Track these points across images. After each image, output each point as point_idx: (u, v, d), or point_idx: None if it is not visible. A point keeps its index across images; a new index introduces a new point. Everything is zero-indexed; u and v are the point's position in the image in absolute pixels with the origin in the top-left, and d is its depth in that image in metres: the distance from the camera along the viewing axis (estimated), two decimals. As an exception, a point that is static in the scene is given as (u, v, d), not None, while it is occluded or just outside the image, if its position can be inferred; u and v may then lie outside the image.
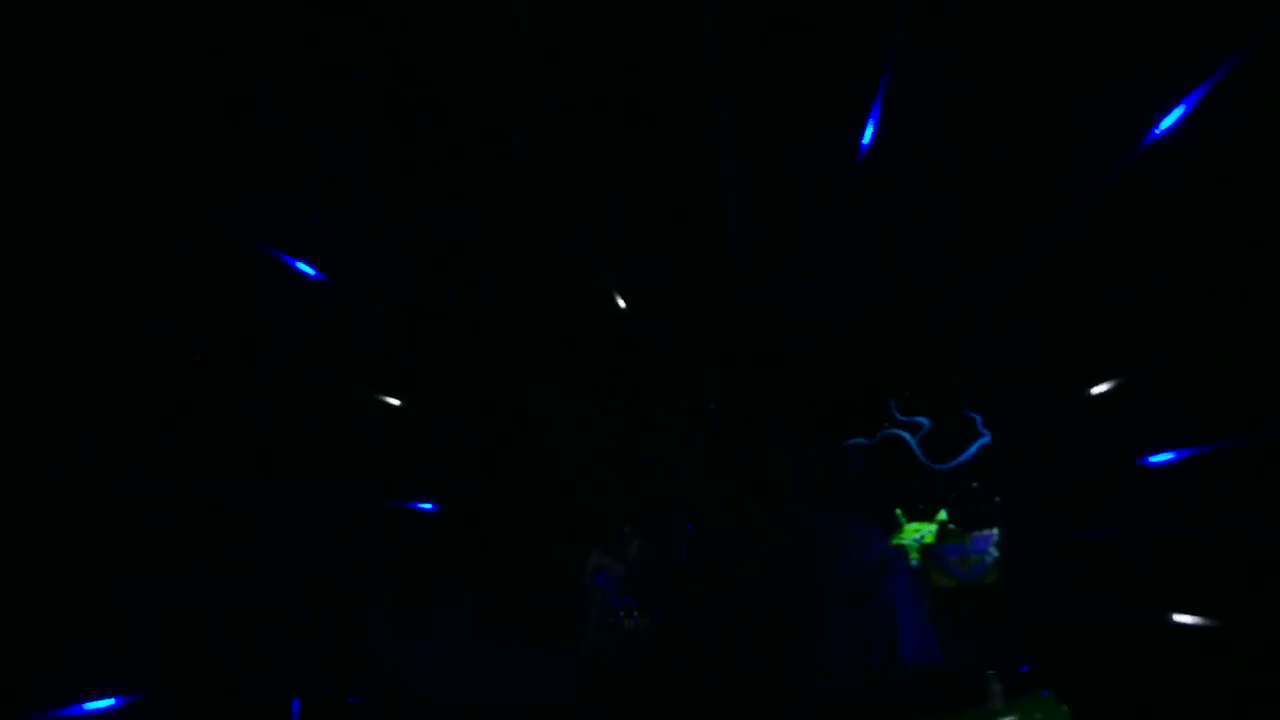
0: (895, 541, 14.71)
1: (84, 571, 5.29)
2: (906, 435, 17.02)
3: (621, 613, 5.79)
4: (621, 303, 9.50)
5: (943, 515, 14.88)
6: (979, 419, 17.12)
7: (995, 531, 11.20)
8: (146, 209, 5.81)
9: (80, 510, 5.35)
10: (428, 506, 6.97)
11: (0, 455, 4.69)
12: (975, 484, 16.62)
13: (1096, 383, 6.30)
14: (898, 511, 15.44)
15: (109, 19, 4.70)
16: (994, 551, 10.91)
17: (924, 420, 17.30)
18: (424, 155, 6.96)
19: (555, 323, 9.80)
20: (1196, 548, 5.02)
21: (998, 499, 14.29)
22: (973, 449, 16.93)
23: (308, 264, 6.59)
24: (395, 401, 7.17)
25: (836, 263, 12.33)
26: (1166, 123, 5.38)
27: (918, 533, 15.09)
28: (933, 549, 13.50)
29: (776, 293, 11.44)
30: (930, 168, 7.80)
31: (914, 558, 14.10)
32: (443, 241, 7.59)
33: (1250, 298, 5.17)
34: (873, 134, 7.44)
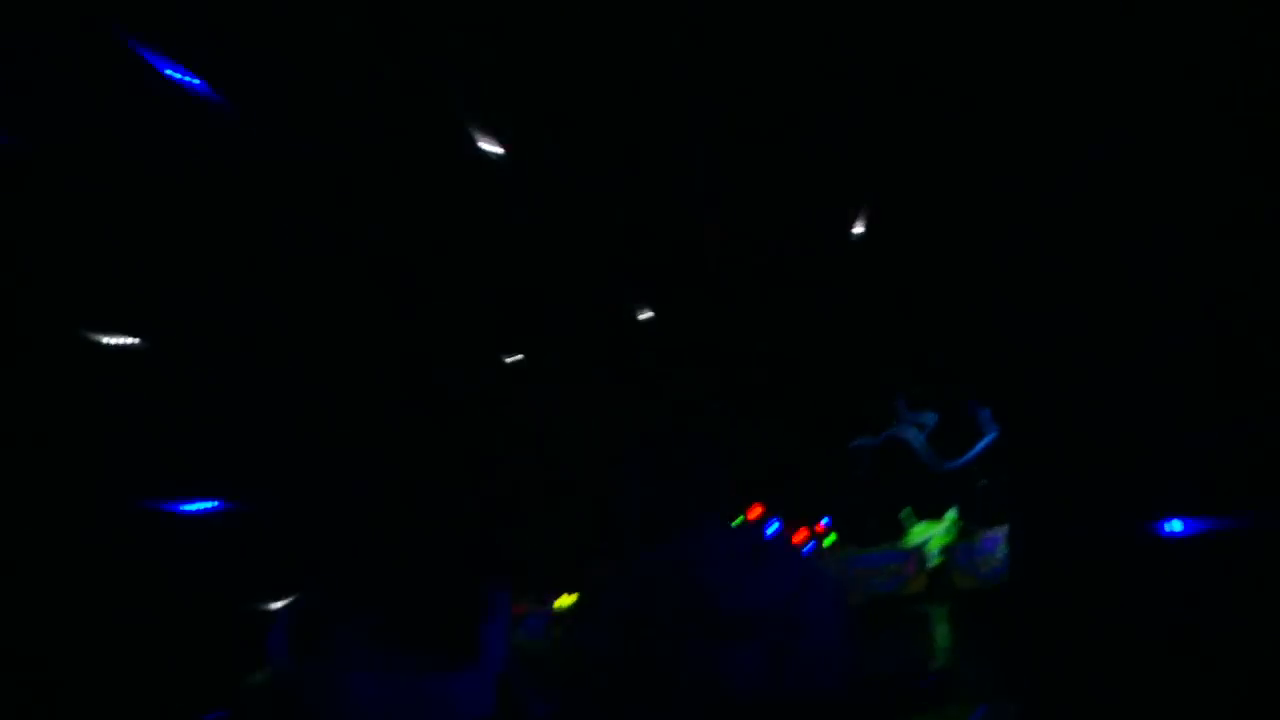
0: (904, 544, 14.37)
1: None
2: (912, 435, 16.63)
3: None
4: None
5: (953, 515, 14.53)
6: (987, 413, 16.73)
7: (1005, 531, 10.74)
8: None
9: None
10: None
11: None
12: (984, 482, 16.27)
13: (1109, 373, 5.95)
14: (906, 512, 15.09)
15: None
16: (1005, 548, 10.48)
17: (930, 417, 16.94)
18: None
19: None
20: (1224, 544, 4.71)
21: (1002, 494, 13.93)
22: (981, 445, 16.58)
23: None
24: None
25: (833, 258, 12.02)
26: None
27: (925, 534, 14.75)
28: (949, 550, 13.16)
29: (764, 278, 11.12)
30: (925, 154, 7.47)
31: (935, 560, 13.73)
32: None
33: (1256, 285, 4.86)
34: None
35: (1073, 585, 5.88)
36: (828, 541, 13.23)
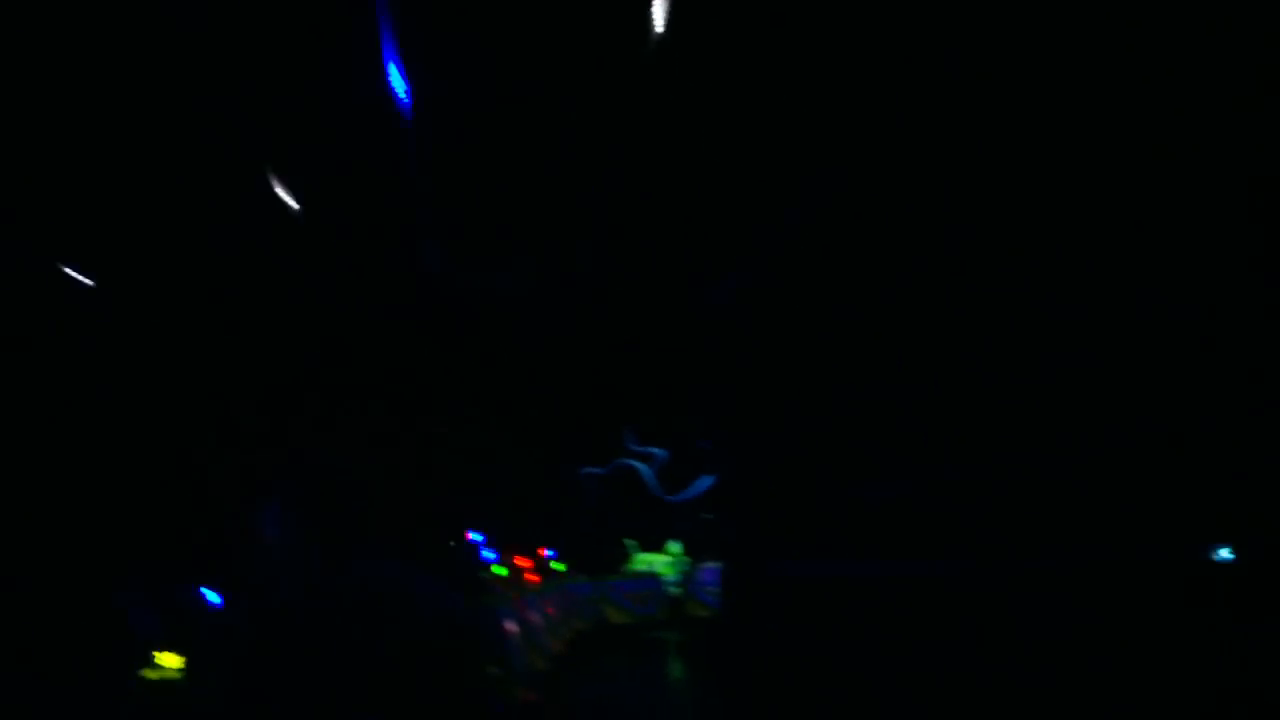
0: (632, 571, 14.57)
1: None
2: (641, 467, 17.01)
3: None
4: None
5: (676, 547, 14.89)
6: (710, 449, 17.41)
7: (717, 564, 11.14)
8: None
9: None
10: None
11: None
12: (708, 516, 16.89)
13: (817, 411, 6.22)
14: (628, 542, 15.31)
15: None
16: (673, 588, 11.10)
17: (659, 451, 17.41)
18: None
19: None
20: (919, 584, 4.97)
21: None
22: (705, 482, 17.19)
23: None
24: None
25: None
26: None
27: (649, 563, 15.04)
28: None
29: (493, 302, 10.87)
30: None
31: (675, 589, 14.10)
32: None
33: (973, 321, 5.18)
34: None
35: (777, 618, 6.02)
36: (558, 568, 13.06)
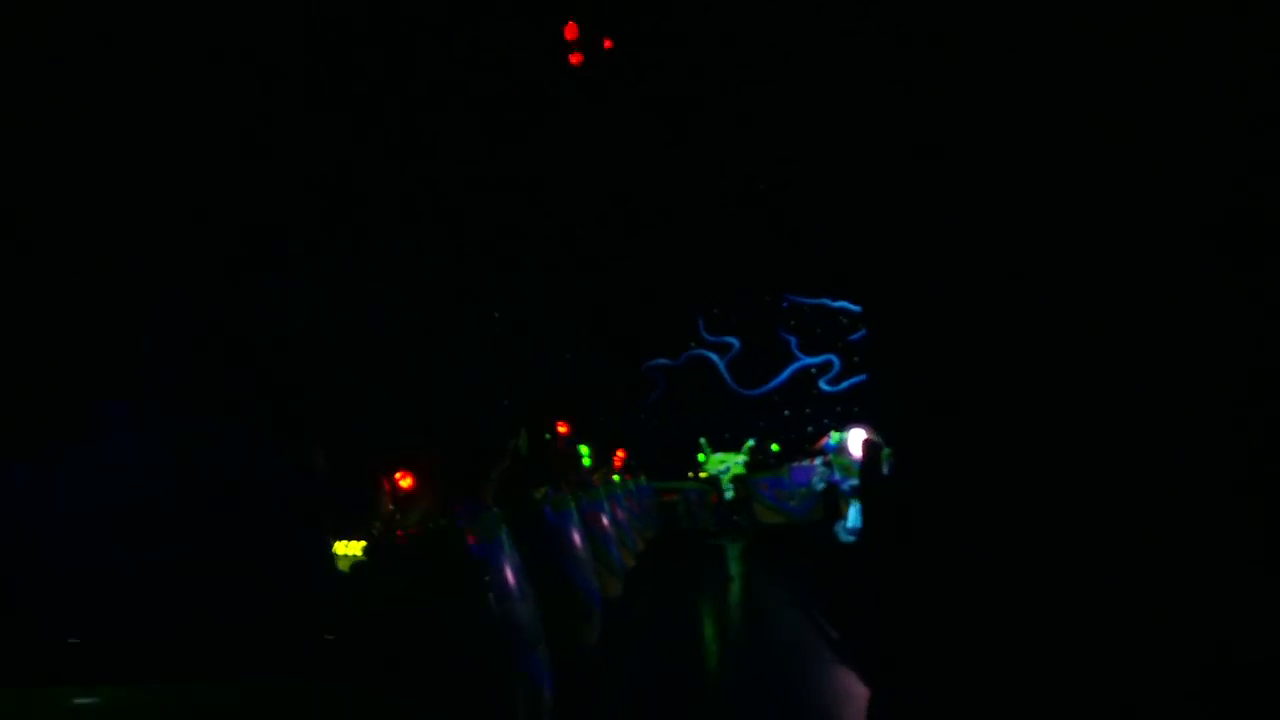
0: (704, 473, 13.05)
1: None
2: (714, 356, 15.35)
3: None
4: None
5: (750, 444, 13.33)
6: (794, 341, 15.71)
7: (817, 464, 9.29)
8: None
9: None
10: None
11: None
12: (787, 412, 15.22)
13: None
14: (701, 440, 13.77)
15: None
16: (819, 484, 9.02)
17: (732, 340, 15.71)
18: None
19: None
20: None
21: (827, 422, 12.82)
22: (786, 374, 15.56)
23: None
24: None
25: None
26: None
27: (723, 464, 13.51)
28: (751, 481, 11.65)
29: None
30: None
31: (728, 491, 12.41)
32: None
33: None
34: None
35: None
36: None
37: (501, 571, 2.56)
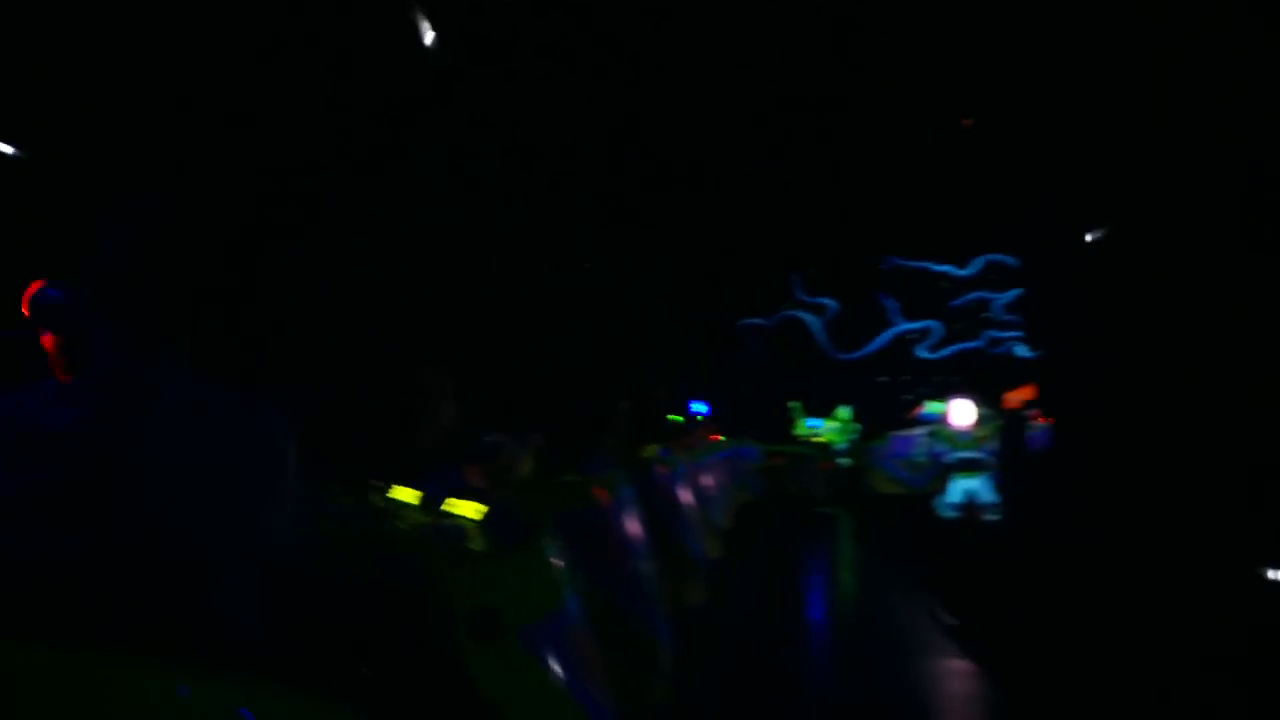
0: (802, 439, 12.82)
1: None
2: (809, 318, 15.03)
3: None
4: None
5: (844, 412, 13.03)
6: (893, 305, 15.28)
7: (920, 434, 9.00)
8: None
9: None
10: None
11: None
12: (882, 379, 14.85)
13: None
14: (794, 405, 13.50)
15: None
16: (920, 456, 8.73)
17: (829, 302, 15.34)
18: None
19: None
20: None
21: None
22: (883, 339, 15.15)
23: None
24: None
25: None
26: None
27: (812, 430, 13.25)
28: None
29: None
30: None
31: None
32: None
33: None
34: None
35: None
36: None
37: (633, 528, 2.49)
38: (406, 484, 1.69)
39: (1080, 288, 4.73)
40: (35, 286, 1.20)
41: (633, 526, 2.67)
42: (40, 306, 1.24)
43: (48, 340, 1.19)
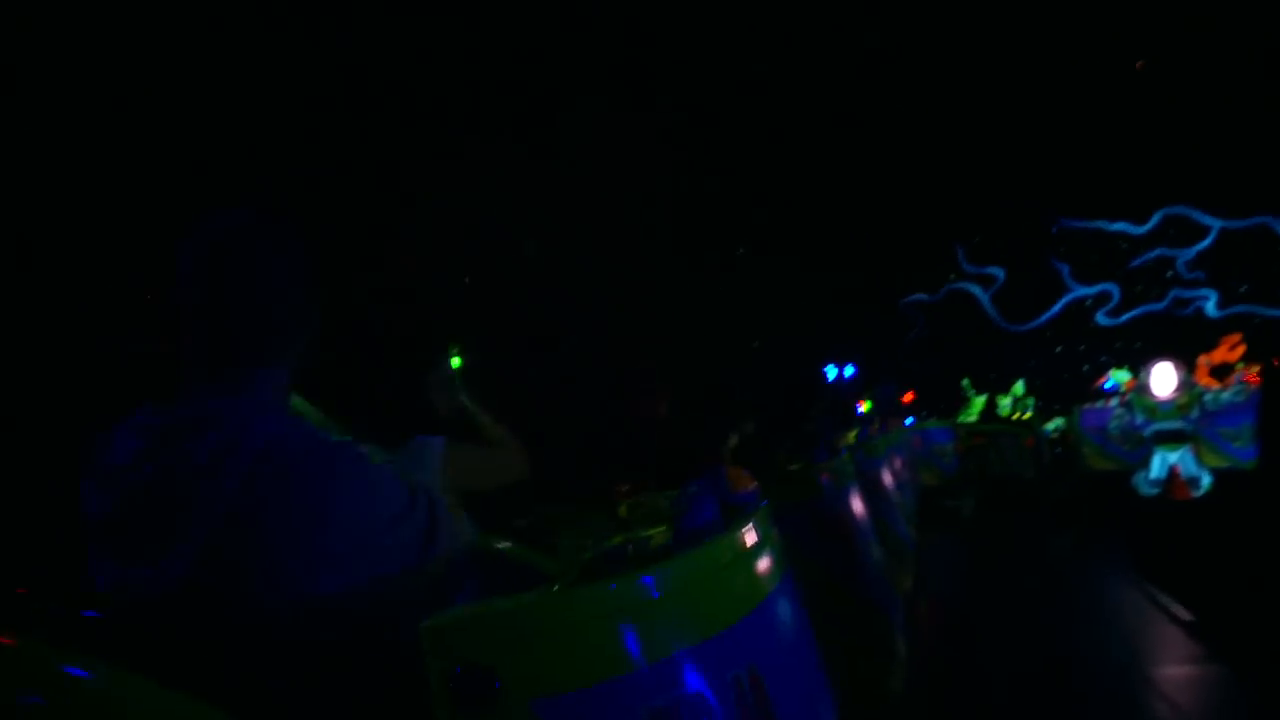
0: (962, 418, 12.32)
1: None
2: (976, 289, 14.40)
3: None
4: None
5: (1019, 389, 12.45)
6: (1066, 269, 14.47)
7: (1113, 405, 8.43)
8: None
9: None
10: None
11: None
12: (1059, 349, 14.12)
13: None
14: (964, 383, 12.99)
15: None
16: (1114, 429, 8.15)
17: (997, 271, 14.65)
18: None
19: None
20: None
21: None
22: (1057, 306, 14.37)
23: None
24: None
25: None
26: None
27: (982, 409, 12.72)
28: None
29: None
30: None
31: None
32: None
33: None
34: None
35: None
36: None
37: (861, 516, 2.44)
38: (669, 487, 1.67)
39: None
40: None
41: (860, 511, 2.62)
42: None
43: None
